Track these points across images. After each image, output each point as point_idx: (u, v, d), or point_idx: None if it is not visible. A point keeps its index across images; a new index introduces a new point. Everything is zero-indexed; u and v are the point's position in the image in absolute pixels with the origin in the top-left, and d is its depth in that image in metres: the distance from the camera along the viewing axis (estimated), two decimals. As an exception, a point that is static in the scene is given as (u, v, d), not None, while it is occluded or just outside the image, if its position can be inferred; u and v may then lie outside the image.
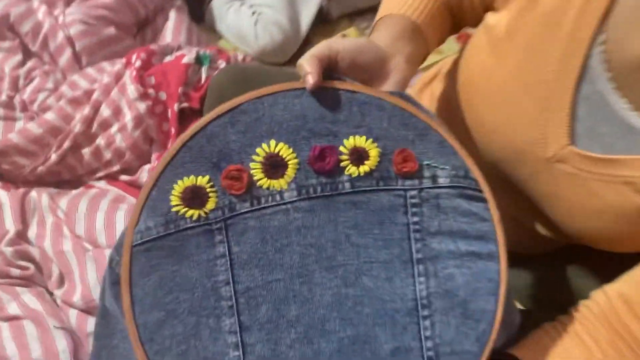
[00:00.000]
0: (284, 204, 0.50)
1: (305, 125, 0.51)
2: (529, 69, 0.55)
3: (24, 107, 1.10)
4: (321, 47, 0.52)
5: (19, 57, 1.14)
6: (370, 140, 0.51)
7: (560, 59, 0.53)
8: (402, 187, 0.51)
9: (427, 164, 0.51)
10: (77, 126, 1.06)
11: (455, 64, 0.71)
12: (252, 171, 0.50)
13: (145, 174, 1.10)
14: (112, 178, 1.11)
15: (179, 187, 0.49)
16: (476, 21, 0.64)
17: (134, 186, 1.10)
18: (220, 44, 1.53)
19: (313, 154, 0.50)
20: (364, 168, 0.51)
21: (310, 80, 0.50)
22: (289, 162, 0.50)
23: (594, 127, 0.54)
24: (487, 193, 0.51)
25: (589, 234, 0.59)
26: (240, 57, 1.26)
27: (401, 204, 0.51)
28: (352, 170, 0.51)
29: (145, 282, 0.49)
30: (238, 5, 1.54)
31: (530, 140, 0.57)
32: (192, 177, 0.49)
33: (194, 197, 0.49)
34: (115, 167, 1.10)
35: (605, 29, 0.51)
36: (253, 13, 1.50)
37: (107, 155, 1.09)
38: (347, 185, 0.51)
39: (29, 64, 1.14)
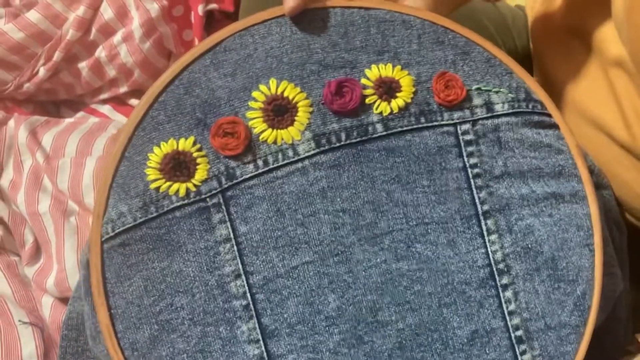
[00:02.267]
0: (300, 160, 0.41)
1: (311, 56, 0.41)
2: None
3: (5, 1, 0.83)
4: None
5: None
6: (399, 67, 0.42)
7: None
8: (450, 122, 0.42)
9: (477, 89, 0.43)
10: (70, 31, 0.79)
11: None
12: (250, 122, 0.40)
13: (161, 99, 0.84)
14: (119, 102, 0.85)
15: (156, 155, 0.40)
16: None
17: (147, 114, 0.85)
18: None
19: (329, 91, 0.41)
20: (397, 102, 0.42)
21: (291, 1, 0.40)
22: (299, 105, 0.41)
23: None
24: (557, 117, 0.43)
25: None
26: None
27: (452, 144, 0.42)
28: (382, 106, 0.41)
29: (125, 288, 0.40)
30: None
31: None
32: (171, 140, 0.40)
33: (177, 166, 0.40)
34: (122, 89, 0.84)
35: None
36: None
37: (111, 72, 0.82)
38: (379, 126, 0.42)
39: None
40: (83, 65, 0.82)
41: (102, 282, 0.39)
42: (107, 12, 0.80)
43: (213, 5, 0.81)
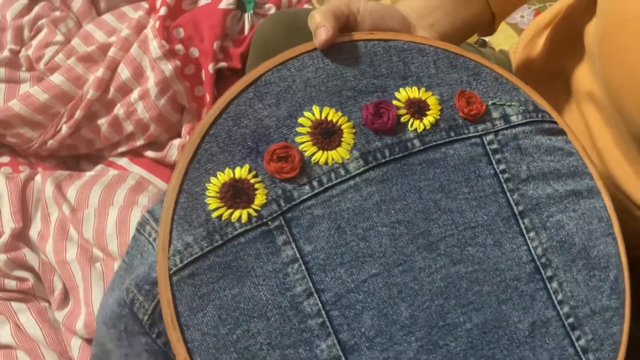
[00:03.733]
0: (351, 177, 0.42)
1: (346, 84, 0.44)
2: None
3: (31, 66, 0.90)
4: (339, 3, 0.46)
5: (23, 1, 0.92)
6: (423, 89, 0.45)
7: None
8: (476, 134, 0.45)
9: (493, 103, 0.47)
10: (89, 91, 0.85)
11: (569, 20, 0.60)
12: (300, 147, 0.42)
13: (174, 150, 0.89)
14: (136, 154, 0.91)
15: (214, 185, 0.40)
16: None
17: (162, 164, 0.91)
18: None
19: (368, 112, 0.43)
20: (429, 119, 0.45)
21: (323, 35, 0.43)
22: (343, 127, 0.43)
23: None
24: (563, 124, 0.48)
25: None
26: (295, -3, 0.99)
27: (482, 153, 0.45)
28: (416, 124, 0.44)
29: (200, 319, 0.38)
30: None
31: None
32: (227, 170, 0.40)
33: (236, 193, 0.40)
34: (139, 142, 0.89)
35: None
36: None
37: (128, 127, 0.88)
38: (417, 142, 0.44)
39: (36, 9, 0.92)
40: (102, 122, 0.88)
41: (176, 316, 0.38)
42: (124, 73, 0.86)
43: (222, 64, 0.88)
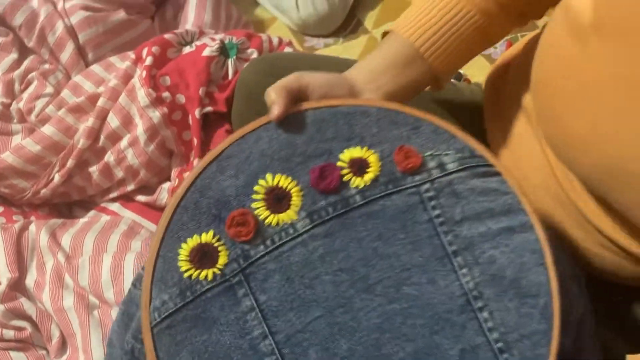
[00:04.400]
0: (299, 235, 0.49)
1: (296, 151, 0.51)
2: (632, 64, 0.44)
3: (22, 118, 0.93)
4: (290, 78, 0.52)
5: (13, 55, 0.96)
6: (365, 147, 0.51)
7: None
8: (413, 184, 0.51)
9: (430, 154, 0.52)
10: (80, 141, 0.88)
11: (525, 56, 0.63)
12: (256, 212, 0.49)
13: (164, 194, 0.92)
14: (127, 199, 0.94)
15: (185, 250, 0.48)
16: (543, 9, 0.61)
17: (152, 207, 0.93)
18: (257, 13, 1.32)
19: (314, 176, 0.50)
20: (369, 176, 0.51)
21: (276, 110, 0.50)
22: (292, 191, 0.50)
23: None
24: (499, 165, 0.52)
25: None
26: (275, 41, 1.03)
27: (418, 201, 0.51)
28: (357, 181, 0.51)
29: None
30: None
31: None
32: (195, 236, 0.48)
33: (203, 256, 0.48)
34: (130, 187, 0.92)
35: None
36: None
37: (119, 173, 0.91)
38: (358, 197, 0.50)
39: (26, 63, 0.96)
40: (94, 169, 0.91)
41: None
42: (113, 121, 0.89)
43: (208, 108, 0.91)
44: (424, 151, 0.52)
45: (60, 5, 0.98)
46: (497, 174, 0.52)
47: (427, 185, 0.51)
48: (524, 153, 0.64)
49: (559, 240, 0.60)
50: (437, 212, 0.50)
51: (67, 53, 0.98)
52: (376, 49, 0.60)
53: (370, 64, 0.59)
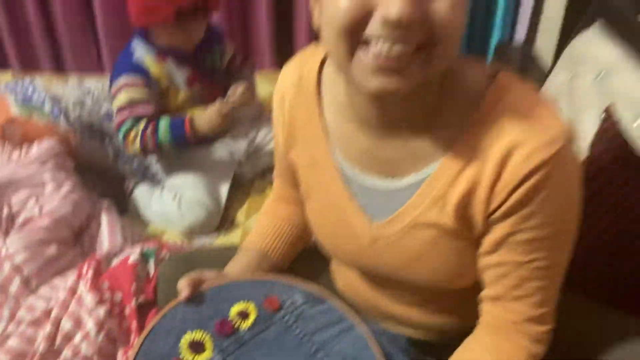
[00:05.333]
0: None
1: (202, 314, 0.81)
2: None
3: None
4: (193, 274, 0.85)
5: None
6: (245, 302, 0.83)
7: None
8: (279, 318, 0.83)
9: (286, 298, 0.85)
10: (40, 346, 1.12)
11: None
12: (184, 357, 0.77)
13: (115, 373, 1.17)
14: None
15: None
16: None
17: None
18: (150, 230, 1.65)
19: (217, 327, 0.80)
20: (251, 319, 0.82)
21: (183, 294, 0.82)
22: (205, 339, 0.79)
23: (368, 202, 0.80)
24: (328, 295, 0.86)
25: (438, 278, 0.81)
26: (179, 243, 1.38)
27: (285, 327, 0.82)
28: (245, 324, 0.81)
29: None
30: (159, 192, 1.70)
31: (350, 242, 0.83)
32: None
33: None
34: (86, 373, 1.16)
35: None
36: (175, 196, 1.65)
37: (76, 364, 1.15)
38: (247, 335, 0.81)
39: (-19, 299, 1.20)
40: (54, 366, 1.14)
41: None
42: (67, 325, 1.16)
43: (140, 298, 1.21)
44: (281, 297, 0.85)
45: (4, 251, 1.26)
46: (327, 300, 0.86)
47: (287, 317, 0.83)
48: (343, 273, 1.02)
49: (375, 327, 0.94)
50: (298, 330, 0.82)
51: (15, 285, 1.24)
52: (233, 260, 0.94)
53: (235, 265, 0.93)
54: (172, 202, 1.65)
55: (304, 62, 0.85)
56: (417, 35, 0.60)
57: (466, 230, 0.75)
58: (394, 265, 0.82)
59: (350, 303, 0.93)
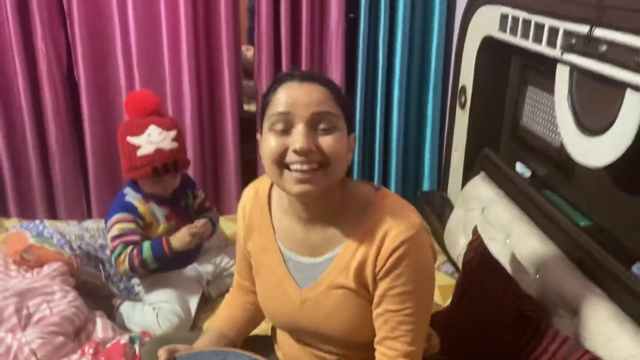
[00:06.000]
0: None
1: None
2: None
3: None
4: (170, 346, 1.21)
5: (-3, 372, 1.57)
6: None
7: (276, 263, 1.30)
8: None
9: None
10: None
11: None
12: None
13: None
14: None
15: None
16: None
17: None
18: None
19: None
20: None
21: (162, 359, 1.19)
22: None
23: (299, 275, 1.24)
24: (260, 356, 1.20)
25: (348, 332, 1.21)
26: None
27: None
28: None
29: None
30: (140, 306, 2.12)
31: (286, 304, 1.25)
32: None
33: None
34: None
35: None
36: (153, 309, 2.07)
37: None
38: None
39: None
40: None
41: None
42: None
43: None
44: None
45: (24, 339, 1.65)
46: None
47: None
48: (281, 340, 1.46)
49: None
50: None
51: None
52: (200, 338, 1.34)
53: (200, 342, 1.31)
54: (152, 313, 2.06)
55: (257, 184, 1.36)
56: (315, 158, 1.08)
57: (363, 290, 1.19)
58: (316, 321, 1.23)
59: None
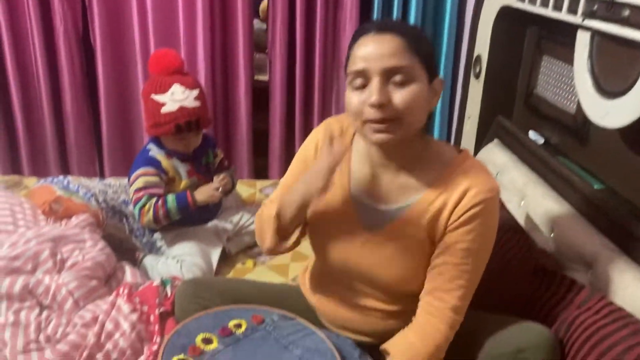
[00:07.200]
0: (219, 351, 1.25)
1: (210, 324, 1.32)
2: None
3: (48, 340, 1.57)
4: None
5: (37, 310, 1.63)
6: (239, 319, 1.32)
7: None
8: (263, 327, 1.32)
9: (267, 316, 1.38)
10: (90, 340, 1.55)
11: None
12: (197, 345, 1.25)
13: (142, 363, 1.59)
14: (117, 372, 1.58)
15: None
16: None
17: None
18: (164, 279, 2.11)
19: (220, 332, 1.29)
20: (243, 328, 1.31)
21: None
22: (212, 338, 1.28)
23: (367, 218, 1.32)
24: (295, 316, 1.37)
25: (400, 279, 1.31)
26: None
27: (268, 332, 1.31)
28: (239, 330, 1.30)
29: None
30: (164, 259, 2.18)
31: (347, 242, 1.34)
32: (174, 357, 1.23)
33: None
34: (120, 363, 1.58)
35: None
36: (177, 261, 2.14)
37: (114, 355, 1.57)
38: (241, 336, 1.29)
39: (45, 313, 1.64)
40: (99, 356, 1.55)
41: None
42: (109, 326, 1.60)
43: (162, 309, 1.67)
44: (263, 315, 1.34)
45: (61, 280, 1.71)
46: (295, 318, 1.36)
47: (268, 327, 1.30)
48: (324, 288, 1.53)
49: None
50: (276, 333, 1.29)
51: (69, 304, 1.68)
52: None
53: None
54: (175, 265, 2.12)
55: (331, 124, 1.39)
56: (389, 110, 1.14)
57: (428, 240, 1.25)
58: (373, 263, 1.29)
59: (318, 319, 1.46)
